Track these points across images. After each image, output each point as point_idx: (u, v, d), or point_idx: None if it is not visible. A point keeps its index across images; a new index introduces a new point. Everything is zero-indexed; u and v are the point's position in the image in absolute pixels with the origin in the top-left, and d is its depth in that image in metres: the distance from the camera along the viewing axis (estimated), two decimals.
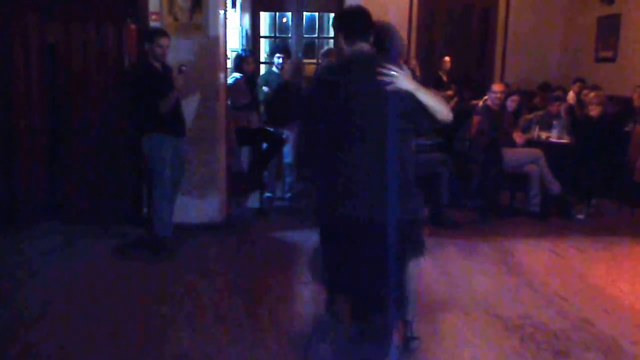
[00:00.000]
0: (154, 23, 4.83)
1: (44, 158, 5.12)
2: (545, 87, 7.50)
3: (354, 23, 2.63)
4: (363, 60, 2.58)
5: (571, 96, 7.34)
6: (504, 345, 3.12)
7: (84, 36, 4.99)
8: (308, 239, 4.74)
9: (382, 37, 2.79)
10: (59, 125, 5.11)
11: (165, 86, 4.30)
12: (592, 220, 5.65)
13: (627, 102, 6.66)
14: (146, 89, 4.34)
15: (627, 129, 6.20)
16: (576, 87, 7.45)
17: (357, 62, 2.58)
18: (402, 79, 2.43)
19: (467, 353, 3.06)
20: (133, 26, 4.97)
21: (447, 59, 8.17)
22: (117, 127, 5.07)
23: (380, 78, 2.41)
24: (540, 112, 6.48)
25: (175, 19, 4.87)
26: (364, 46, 2.60)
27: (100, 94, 5.07)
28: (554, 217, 5.67)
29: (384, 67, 2.42)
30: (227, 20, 5.20)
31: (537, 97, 7.42)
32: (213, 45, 4.92)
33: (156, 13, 4.86)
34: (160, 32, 4.46)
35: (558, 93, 6.76)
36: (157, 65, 4.41)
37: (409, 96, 2.44)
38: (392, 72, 2.42)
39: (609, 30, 7.74)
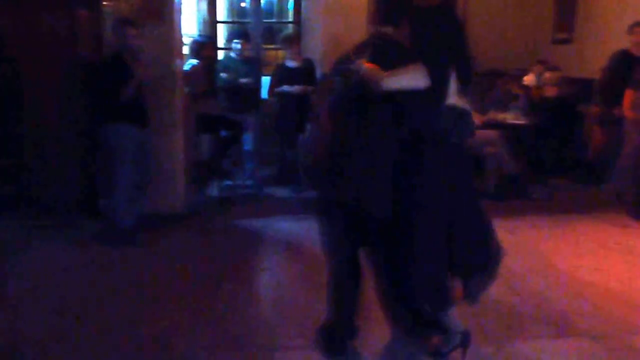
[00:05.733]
0: (107, 9, 4.73)
1: None
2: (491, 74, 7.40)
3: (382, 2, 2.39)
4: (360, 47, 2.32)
5: (530, 77, 7.43)
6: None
7: (33, 23, 4.79)
8: (268, 226, 4.80)
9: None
10: (10, 117, 4.94)
11: (128, 74, 4.25)
12: (549, 199, 5.77)
13: (584, 83, 6.77)
14: (109, 78, 4.29)
15: (581, 109, 6.32)
16: (537, 68, 7.53)
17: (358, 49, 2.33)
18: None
19: None
20: (84, 12, 4.84)
21: None
22: (72, 116, 4.92)
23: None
24: (492, 93, 6.44)
25: (129, 4, 4.77)
26: (388, 30, 2.32)
27: (53, 83, 4.89)
28: (511, 197, 5.76)
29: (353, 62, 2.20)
30: (183, 5, 5.12)
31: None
32: (168, 31, 4.84)
33: None
34: (127, 22, 4.41)
35: (509, 72, 6.73)
36: (126, 55, 4.34)
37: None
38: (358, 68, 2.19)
39: (565, 12, 7.86)
